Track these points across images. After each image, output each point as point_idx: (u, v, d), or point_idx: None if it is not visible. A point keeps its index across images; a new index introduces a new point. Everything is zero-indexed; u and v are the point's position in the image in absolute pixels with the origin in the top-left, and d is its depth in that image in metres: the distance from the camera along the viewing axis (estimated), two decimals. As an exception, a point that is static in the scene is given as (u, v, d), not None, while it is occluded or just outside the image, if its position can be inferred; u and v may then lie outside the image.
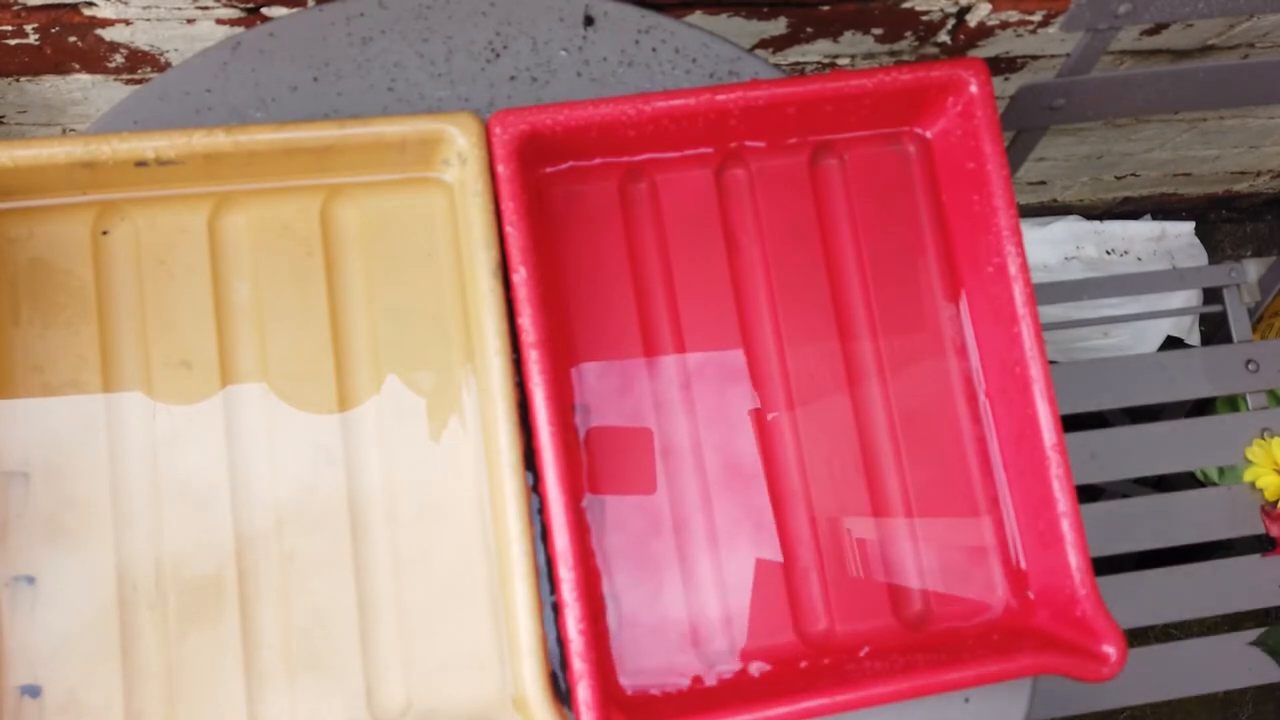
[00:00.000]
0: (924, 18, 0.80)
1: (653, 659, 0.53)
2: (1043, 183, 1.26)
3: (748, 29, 0.79)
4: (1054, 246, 1.28)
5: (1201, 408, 1.12)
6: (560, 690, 0.50)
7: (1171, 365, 0.98)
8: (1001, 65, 0.89)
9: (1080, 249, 1.28)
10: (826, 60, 0.86)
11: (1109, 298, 1.05)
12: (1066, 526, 0.54)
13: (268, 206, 0.55)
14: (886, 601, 0.55)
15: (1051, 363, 0.65)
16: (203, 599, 0.52)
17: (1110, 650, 0.52)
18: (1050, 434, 0.54)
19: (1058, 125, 0.80)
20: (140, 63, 0.79)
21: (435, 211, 0.56)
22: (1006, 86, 0.92)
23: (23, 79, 0.80)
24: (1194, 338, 1.27)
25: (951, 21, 0.81)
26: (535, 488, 0.52)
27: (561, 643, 0.50)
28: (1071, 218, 1.30)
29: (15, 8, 0.71)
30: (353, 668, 0.52)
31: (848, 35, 0.82)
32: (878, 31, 0.81)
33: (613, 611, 0.53)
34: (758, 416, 0.56)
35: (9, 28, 0.73)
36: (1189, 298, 1.17)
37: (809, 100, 0.55)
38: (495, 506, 0.53)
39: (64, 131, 0.90)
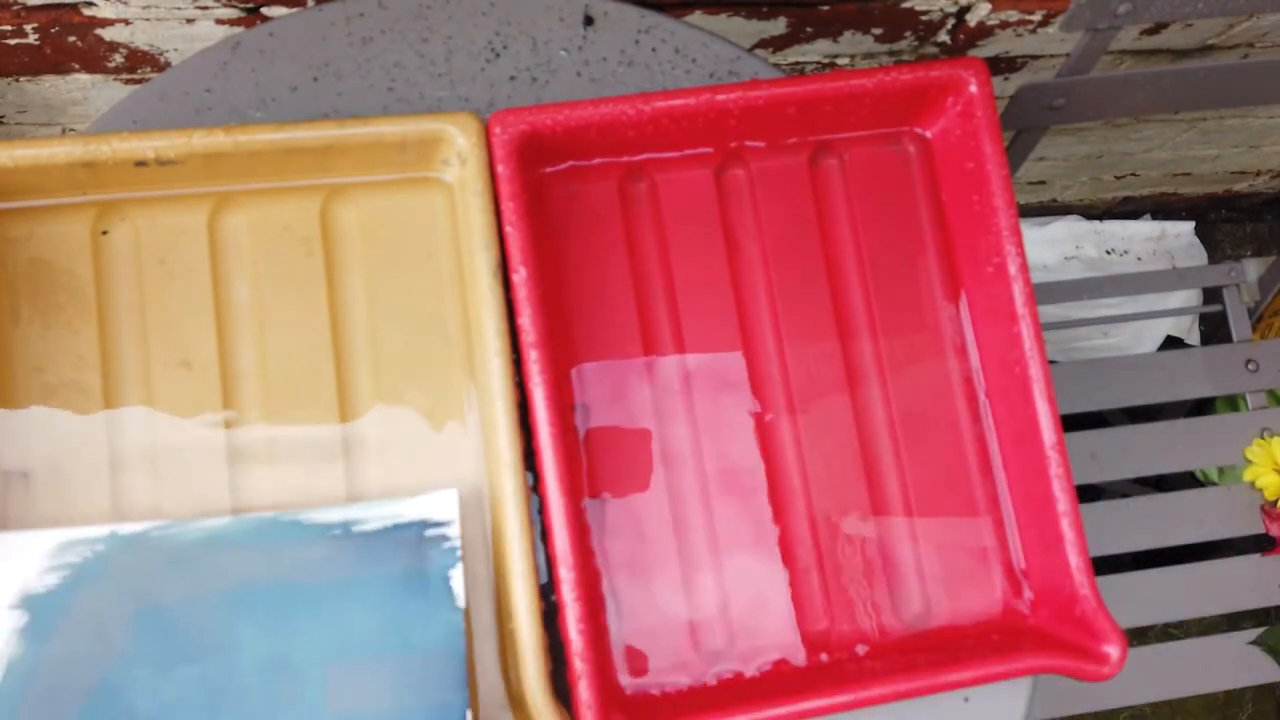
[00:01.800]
0: (924, 17, 0.80)
1: (652, 659, 0.53)
2: (1042, 182, 1.26)
3: (748, 29, 0.79)
4: (1054, 246, 1.28)
5: (1201, 408, 1.12)
6: (560, 690, 0.50)
7: (1171, 365, 0.98)
8: (1001, 65, 0.89)
9: (1080, 249, 1.28)
10: (826, 60, 0.86)
11: (1109, 297, 1.05)
12: (1066, 526, 0.54)
13: (268, 206, 0.55)
14: (886, 601, 0.55)
15: (1051, 363, 0.64)
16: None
17: (1110, 650, 0.52)
18: (1050, 434, 0.54)
19: (1058, 125, 0.80)
20: (140, 63, 0.79)
21: (435, 211, 0.56)
22: (1006, 86, 0.92)
23: (23, 79, 0.80)
24: (1194, 337, 1.27)
25: (951, 21, 0.81)
26: (535, 488, 0.52)
27: (562, 642, 0.50)
28: (1071, 217, 1.31)
29: (15, 8, 0.71)
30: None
31: (847, 35, 0.82)
32: (877, 31, 0.81)
33: (613, 612, 0.53)
34: (757, 416, 0.56)
35: (9, 28, 0.73)
36: (1189, 297, 1.17)
37: (809, 100, 0.55)
38: (495, 506, 0.53)
39: (64, 131, 0.90)
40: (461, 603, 0.50)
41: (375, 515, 0.50)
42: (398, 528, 0.50)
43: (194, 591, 0.48)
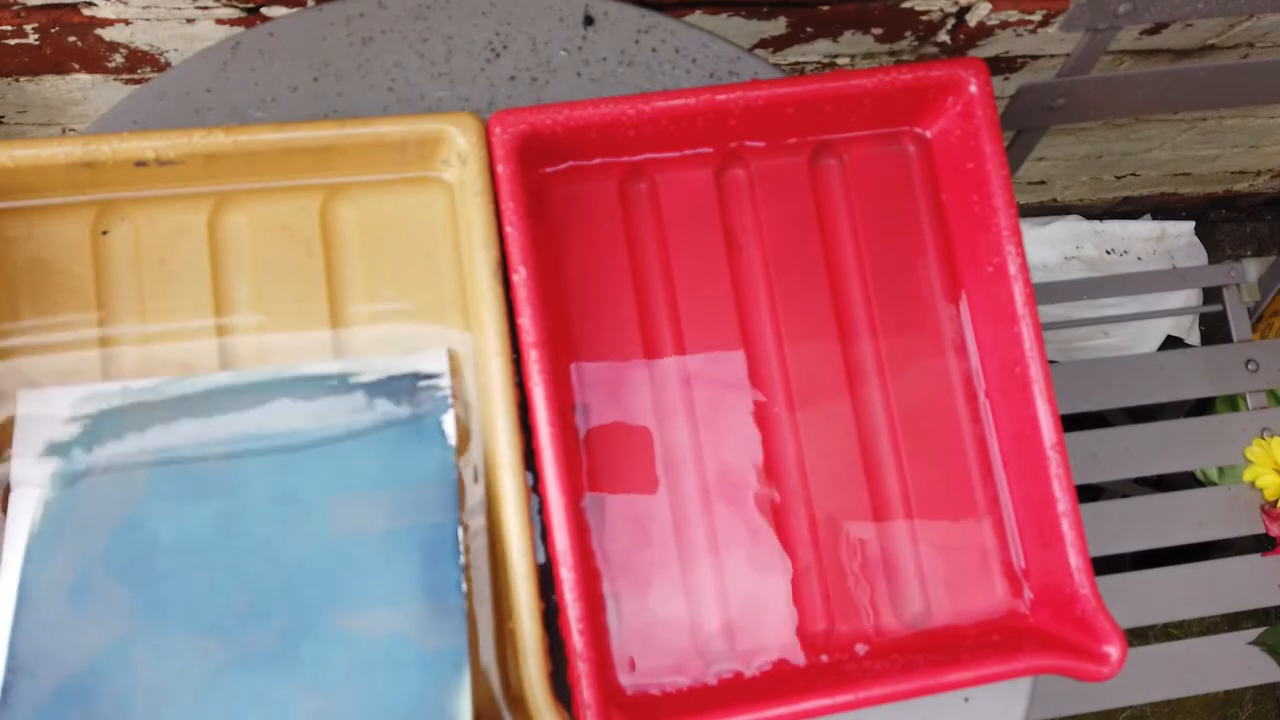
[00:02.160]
0: (924, 17, 0.80)
1: (653, 659, 0.53)
2: (1042, 182, 1.26)
3: (748, 29, 0.79)
4: (1054, 246, 1.28)
5: (1201, 408, 1.12)
6: (560, 690, 0.50)
7: (1171, 365, 0.98)
8: (1001, 65, 0.89)
9: (1080, 249, 1.28)
10: (826, 60, 0.86)
11: (1109, 297, 1.05)
12: (1066, 526, 0.54)
13: (268, 206, 0.55)
14: (886, 601, 0.56)
15: (1051, 363, 0.65)
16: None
17: (1110, 650, 0.52)
18: (1050, 434, 0.54)
19: (1058, 125, 0.80)
20: (140, 63, 0.79)
21: (435, 211, 0.56)
22: (1006, 86, 0.92)
23: (22, 79, 0.80)
24: (1194, 337, 1.27)
25: (951, 21, 0.81)
26: (535, 488, 0.52)
27: (562, 642, 0.50)
28: (1071, 217, 1.31)
29: (15, 8, 0.71)
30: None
31: (847, 35, 0.82)
32: (877, 31, 0.81)
33: (613, 611, 0.53)
34: (758, 416, 0.56)
35: (9, 28, 0.73)
36: (1189, 297, 1.17)
37: (809, 100, 0.55)
38: (495, 506, 0.53)
39: (64, 131, 0.90)
40: (452, 441, 0.54)
41: (370, 369, 0.54)
42: (392, 379, 0.54)
43: (204, 437, 0.53)
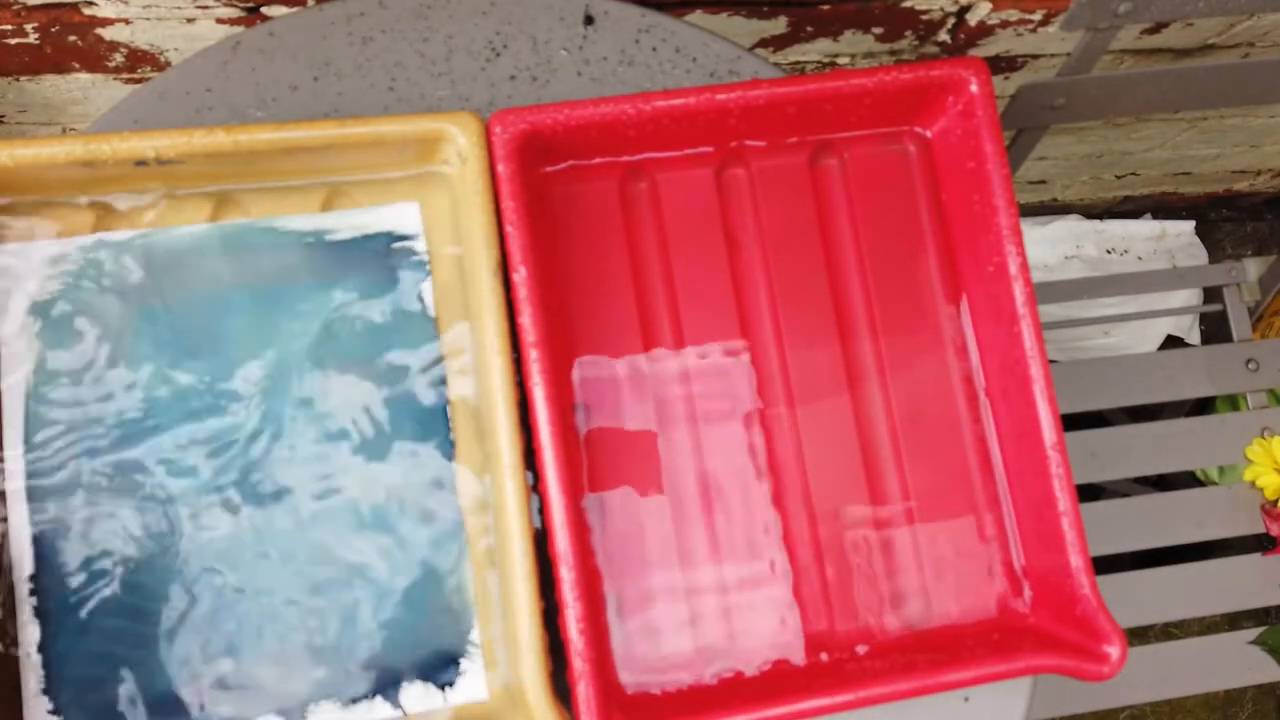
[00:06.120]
0: (924, 17, 0.80)
1: (652, 659, 0.53)
2: (1043, 182, 1.26)
3: (748, 28, 0.79)
4: (1054, 246, 1.28)
5: (1201, 407, 1.12)
6: (560, 690, 0.50)
7: (1171, 364, 0.98)
8: (1002, 64, 0.89)
9: (1080, 248, 1.28)
10: (826, 59, 0.86)
11: (1109, 297, 1.05)
12: (1066, 526, 0.54)
13: (268, 206, 0.55)
14: (886, 601, 0.56)
15: (1051, 362, 0.65)
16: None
17: (1110, 650, 0.52)
18: (1050, 433, 0.54)
19: (1058, 124, 0.80)
20: (140, 62, 0.79)
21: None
22: (1007, 86, 0.92)
23: (23, 78, 0.80)
24: (1194, 337, 1.27)
25: (952, 20, 0.81)
26: (535, 488, 0.52)
27: (562, 642, 0.50)
28: (1071, 217, 1.31)
29: (15, 7, 0.71)
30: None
31: (848, 34, 0.82)
32: (878, 30, 0.81)
33: (613, 611, 0.53)
34: (758, 415, 0.56)
35: (9, 27, 0.73)
36: (1189, 297, 1.17)
37: (809, 100, 0.55)
38: (495, 506, 0.53)
39: (64, 131, 0.90)
40: (433, 313, 0.55)
41: (344, 224, 0.54)
42: (366, 238, 0.54)
43: (185, 294, 0.53)
